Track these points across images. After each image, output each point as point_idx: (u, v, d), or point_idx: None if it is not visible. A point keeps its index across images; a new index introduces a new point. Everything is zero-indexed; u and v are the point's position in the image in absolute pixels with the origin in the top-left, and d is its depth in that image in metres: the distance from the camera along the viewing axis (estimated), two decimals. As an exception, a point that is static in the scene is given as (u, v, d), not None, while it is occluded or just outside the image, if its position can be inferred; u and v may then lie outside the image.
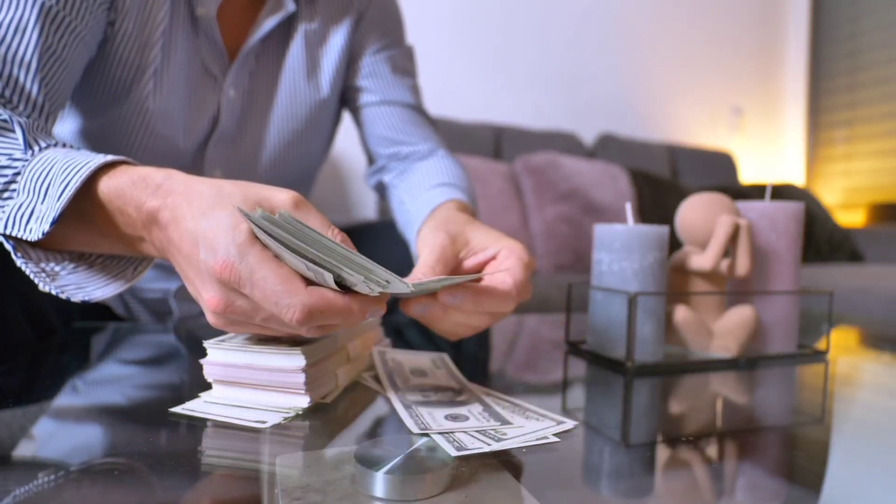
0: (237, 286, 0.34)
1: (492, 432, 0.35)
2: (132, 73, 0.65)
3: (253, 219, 0.33)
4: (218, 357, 0.40)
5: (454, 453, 0.31)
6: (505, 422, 0.37)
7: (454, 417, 0.38)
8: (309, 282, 0.34)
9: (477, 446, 0.33)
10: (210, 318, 0.37)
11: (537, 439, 0.35)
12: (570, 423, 0.38)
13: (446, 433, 0.35)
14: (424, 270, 0.45)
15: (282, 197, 0.38)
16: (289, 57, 0.75)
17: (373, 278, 0.34)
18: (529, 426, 0.37)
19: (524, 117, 2.40)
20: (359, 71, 0.80)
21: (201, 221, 0.36)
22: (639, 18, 2.68)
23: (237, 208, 0.34)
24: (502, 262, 0.47)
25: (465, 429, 0.36)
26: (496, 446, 0.33)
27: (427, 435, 0.34)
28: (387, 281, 0.35)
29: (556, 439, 0.35)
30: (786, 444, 0.40)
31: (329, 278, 0.33)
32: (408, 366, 0.49)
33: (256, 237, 0.34)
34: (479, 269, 0.48)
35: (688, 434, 0.41)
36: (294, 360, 0.38)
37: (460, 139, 2.09)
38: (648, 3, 2.70)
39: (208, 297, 0.36)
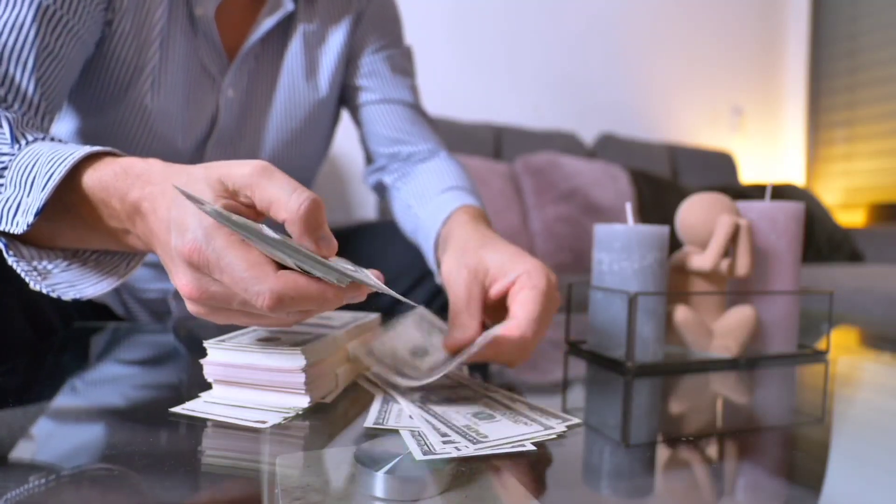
0: (207, 270, 0.33)
1: (472, 435, 0.34)
2: (130, 73, 0.65)
3: (206, 210, 0.31)
4: (218, 357, 0.40)
5: (419, 457, 0.30)
6: (548, 426, 0.37)
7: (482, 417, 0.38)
8: (280, 266, 0.33)
9: (446, 451, 0.32)
10: (190, 307, 0.36)
11: (512, 446, 0.33)
12: (557, 430, 0.37)
13: (417, 435, 0.34)
14: (465, 319, 0.46)
15: (244, 170, 0.35)
16: (288, 57, 0.75)
17: (332, 274, 0.33)
18: (517, 430, 0.36)
19: (524, 117, 2.40)
20: (358, 70, 0.80)
21: (172, 208, 0.35)
22: (639, 19, 2.68)
23: (188, 198, 0.33)
24: (517, 294, 0.47)
25: (506, 437, 0.35)
26: (466, 452, 0.32)
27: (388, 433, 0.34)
28: (353, 270, 0.33)
29: (533, 447, 0.34)
30: (786, 444, 0.40)
31: (290, 263, 0.32)
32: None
33: None
34: (501, 297, 0.48)
35: (688, 434, 0.41)
36: (294, 360, 0.38)
37: (460, 139, 2.09)
38: (649, 3, 2.70)
39: (181, 284, 0.35)
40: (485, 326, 0.48)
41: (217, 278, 0.33)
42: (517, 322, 0.44)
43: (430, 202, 0.71)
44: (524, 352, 0.46)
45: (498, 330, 0.43)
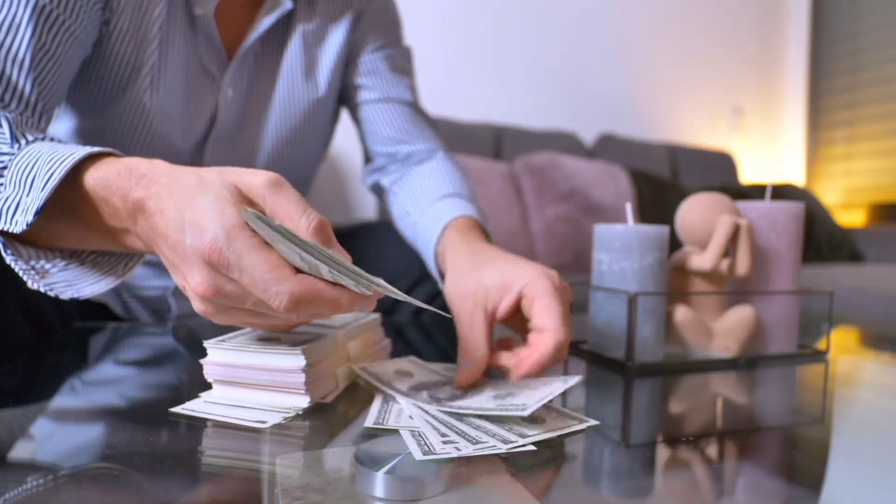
0: (225, 270, 0.34)
1: (471, 435, 0.34)
2: (128, 72, 0.65)
3: (246, 217, 0.33)
4: (218, 357, 0.40)
5: (420, 457, 0.30)
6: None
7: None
8: (297, 269, 0.34)
9: (446, 451, 0.31)
10: (198, 306, 0.37)
11: (515, 446, 0.33)
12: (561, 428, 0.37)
13: (417, 435, 0.34)
14: (472, 350, 0.46)
15: (257, 180, 0.36)
16: (287, 56, 0.75)
17: (362, 282, 0.34)
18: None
19: (524, 117, 2.40)
20: (357, 69, 0.80)
21: (185, 209, 0.35)
22: (639, 18, 2.68)
23: (235, 206, 0.34)
24: (533, 305, 0.46)
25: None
26: (466, 452, 0.32)
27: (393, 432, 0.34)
28: (375, 284, 0.35)
29: (533, 448, 0.33)
30: (786, 444, 0.40)
31: (324, 270, 0.33)
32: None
33: (245, 222, 0.34)
34: (509, 315, 0.48)
35: (688, 434, 0.41)
36: (294, 360, 0.38)
37: (460, 139, 2.09)
38: (648, 3, 2.70)
39: (195, 283, 0.35)
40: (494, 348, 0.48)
41: (235, 278, 0.34)
42: (551, 331, 0.45)
43: (427, 211, 0.70)
44: (563, 353, 0.46)
45: (553, 384, 0.42)
